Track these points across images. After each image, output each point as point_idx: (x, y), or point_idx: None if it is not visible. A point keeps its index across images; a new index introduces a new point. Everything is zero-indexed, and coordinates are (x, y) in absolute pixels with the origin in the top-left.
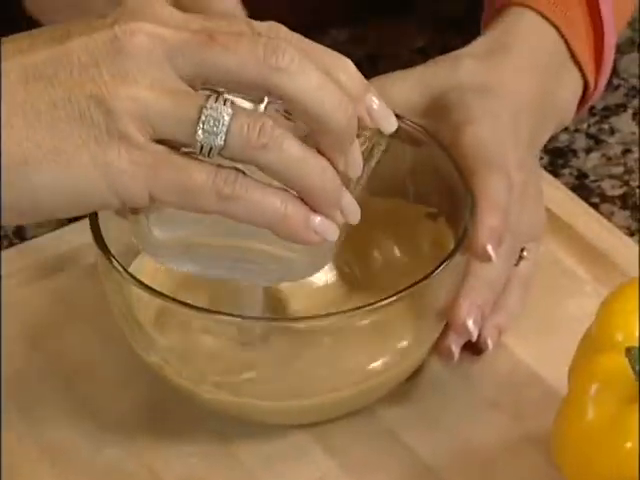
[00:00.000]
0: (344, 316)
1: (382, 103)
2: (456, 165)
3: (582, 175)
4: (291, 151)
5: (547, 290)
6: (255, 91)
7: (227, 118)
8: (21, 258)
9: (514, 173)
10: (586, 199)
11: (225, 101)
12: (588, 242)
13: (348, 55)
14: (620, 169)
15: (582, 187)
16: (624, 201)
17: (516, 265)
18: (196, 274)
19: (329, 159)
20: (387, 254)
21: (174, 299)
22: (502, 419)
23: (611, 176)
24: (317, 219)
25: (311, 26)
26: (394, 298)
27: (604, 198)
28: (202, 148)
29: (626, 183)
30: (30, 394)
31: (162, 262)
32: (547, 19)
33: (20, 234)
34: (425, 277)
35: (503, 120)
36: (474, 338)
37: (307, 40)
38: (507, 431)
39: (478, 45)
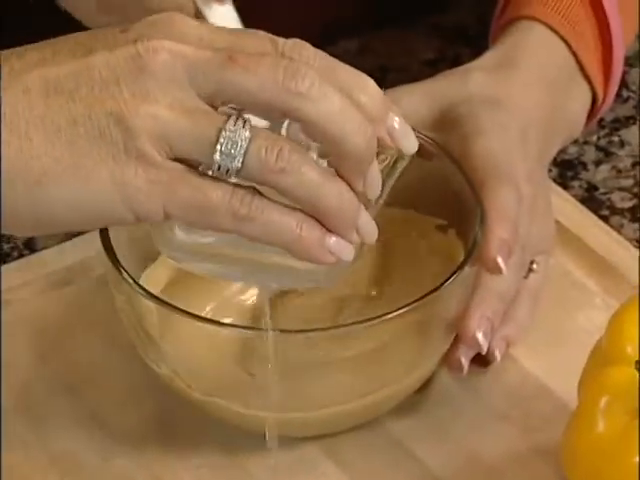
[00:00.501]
0: (354, 328)
1: (404, 123)
2: (466, 177)
3: (592, 187)
4: (308, 175)
5: (557, 302)
6: (274, 113)
7: (245, 141)
8: (31, 269)
9: (523, 185)
10: (595, 211)
11: (244, 123)
12: (598, 254)
13: (357, 67)
14: (630, 181)
15: (591, 199)
16: (634, 213)
17: (525, 277)
18: (214, 276)
19: (347, 181)
20: (397, 266)
21: (184, 310)
22: (511, 431)
23: (621, 188)
24: (332, 239)
25: (320, 37)
26: (404, 310)
27: (614, 210)
28: (219, 169)
29: (636, 195)
30: (39, 405)
31: (182, 265)
32: (556, 33)
33: (30, 245)
34: (435, 289)
35: (512, 132)
36: (484, 351)
37: (331, 58)
38: (516, 443)
39: (487, 59)
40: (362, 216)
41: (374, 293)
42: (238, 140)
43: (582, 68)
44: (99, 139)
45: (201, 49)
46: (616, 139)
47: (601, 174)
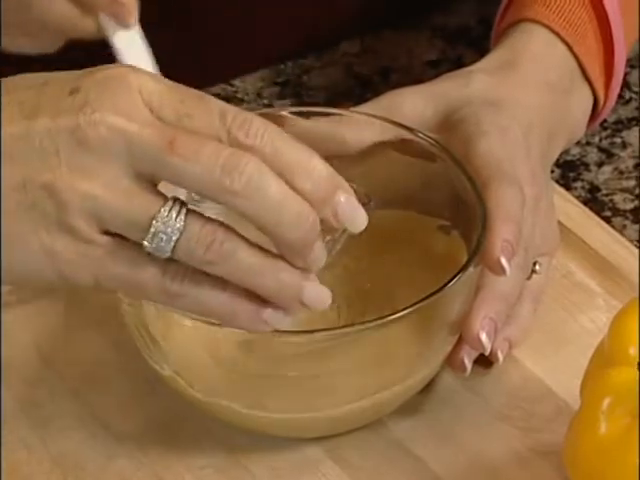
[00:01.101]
0: (356, 329)
1: (352, 200)
2: (469, 178)
3: (594, 188)
4: (242, 264)
5: (559, 303)
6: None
7: (176, 233)
8: None
9: (526, 187)
10: (598, 213)
11: (179, 211)
12: (600, 256)
13: (359, 68)
14: (632, 183)
15: (594, 200)
16: (636, 215)
17: (528, 279)
18: None
19: (288, 261)
20: (400, 267)
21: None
22: (513, 432)
23: (623, 190)
24: (267, 312)
25: (323, 39)
26: (407, 311)
27: (616, 212)
28: (149, 254)
29: (638, 197)
30: (41, 406)
31: None
32: (558, 35)
33: None
34: (438, 290)
35: (514, 134)
36: (487, 352)
37: (281, 135)
38: (518, 444)
39: (489, 61)
40: (306, 290)
41: (375, 295)
42: (168, 231)
43: (584, 70)
44: (32, 210)
45: (145, 127)
46: (618, 140)
47: (603, 175)
